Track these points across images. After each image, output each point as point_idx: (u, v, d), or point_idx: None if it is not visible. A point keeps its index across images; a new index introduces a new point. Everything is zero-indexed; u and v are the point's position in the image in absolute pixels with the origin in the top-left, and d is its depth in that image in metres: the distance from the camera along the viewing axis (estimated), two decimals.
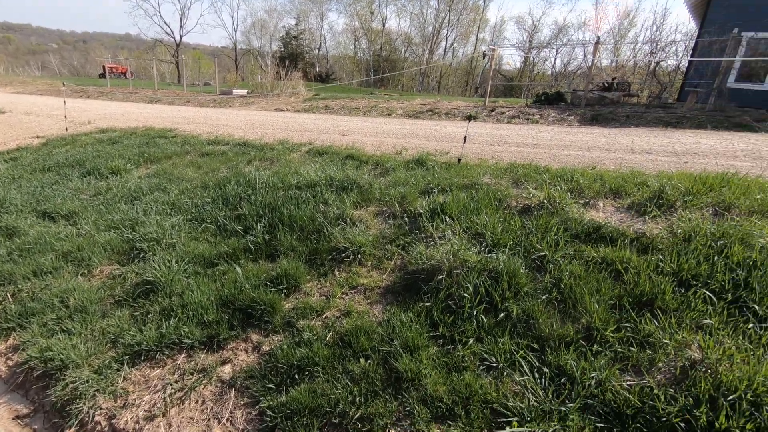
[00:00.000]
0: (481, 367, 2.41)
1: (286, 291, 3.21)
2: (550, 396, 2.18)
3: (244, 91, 19.88)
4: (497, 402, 2.18)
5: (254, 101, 16.63)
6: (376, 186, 4.58)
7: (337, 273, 3.38)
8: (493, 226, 3.48)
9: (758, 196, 3.41)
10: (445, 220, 3.68)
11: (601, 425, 2.04)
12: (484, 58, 23.71)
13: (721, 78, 11.75)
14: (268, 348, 2.75)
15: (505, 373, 2.34)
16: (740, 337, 2.29)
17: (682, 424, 1.94)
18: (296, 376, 2.48)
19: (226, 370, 2.64)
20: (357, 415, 2.21)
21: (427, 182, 4.52)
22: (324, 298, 3.13)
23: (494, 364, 2.40)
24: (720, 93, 11.63)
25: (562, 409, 2.09)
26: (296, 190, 4.68)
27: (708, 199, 3.55)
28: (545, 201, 3.78)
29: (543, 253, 3.13)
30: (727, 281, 2.62)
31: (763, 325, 2.34)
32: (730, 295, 2.54)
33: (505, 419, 2.09)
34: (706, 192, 3.65)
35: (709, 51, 12.47)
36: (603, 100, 13.40)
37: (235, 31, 55.96)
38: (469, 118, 8.40)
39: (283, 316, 2.96)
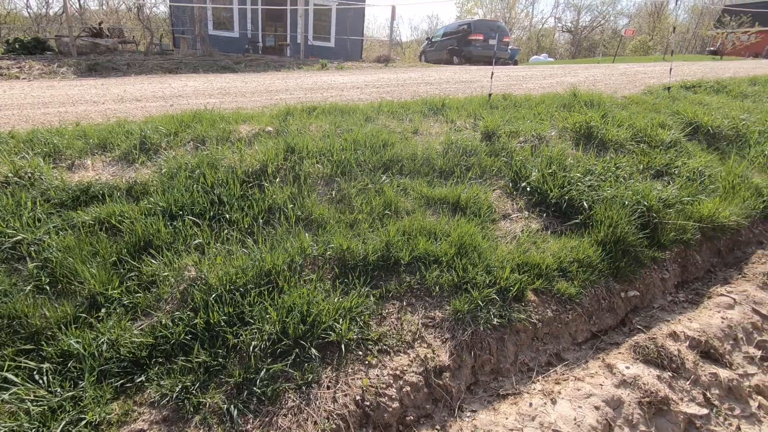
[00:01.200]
0: None
1: None
2: (60, 389, 1.93)
3: None
4: None
5: None
6: None
7: None
8: None
9: (221, 126, 4.11)
10: None
11: (120, 381, 2.02)
12: None
13: (200, 26, 13.17)
14: None
15: None
16: (221, 243, 2.79)
17: (188, 337, 2.21)
18: None
19: None
20: None
21: None
22: None
23: None
24: (203, 40, 13.11)
25: (72, 394, 1.91)
26: None
27: (188, 136, 3.95)
28: (11, 175, 3.07)
29: (19, 238, 2.58)
30: (206, 202, 3.07)
31: (234, 226, 2.94)
32: (210, 213, 3.01)
33: None
34: (185, 130, 4.05)
35: None
36: (97, 48, 12.22)
37: None
38: None
39: None
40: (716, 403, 2.49)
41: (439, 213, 3.33)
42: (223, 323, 2.25)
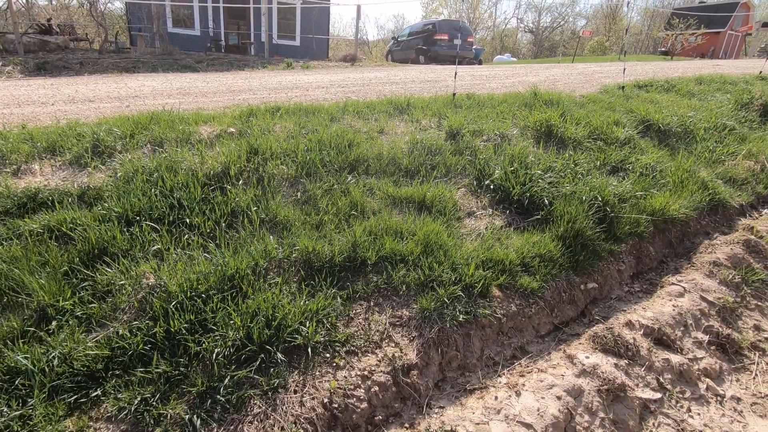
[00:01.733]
0: None
1: None
2: (6, 408, 1.82)
3: None
4: None
5: None
6: None
7: None
8: None
9: (180, 127, 3.98)
10: None
11: (74, 396, 1.93)
12: None
13: (158, 23, 12.70)
14: None
15: None
16: (181, 249, 2.70)
17: (147, 347, 2.13)
18: None
19: None
20: None
21: None
22: None
23: None
24: (162, 38, 12.65)
25: (20, 413, 1.81)
26: None
27: (145, 138, 3.81)
28: None
29: None
30: (165, 206, 2.97)
31: (194, 231, 2.85)
32: (170, 217, 2.91)
33: None
34: (141, 132, 3.89)
35: None
36: (47, 46, 11.59)
37: None
38: None
39: None
40: (669, 387, 2.62)
41: (405, 212, 3.35)
42: (184, 331, 2.18)
